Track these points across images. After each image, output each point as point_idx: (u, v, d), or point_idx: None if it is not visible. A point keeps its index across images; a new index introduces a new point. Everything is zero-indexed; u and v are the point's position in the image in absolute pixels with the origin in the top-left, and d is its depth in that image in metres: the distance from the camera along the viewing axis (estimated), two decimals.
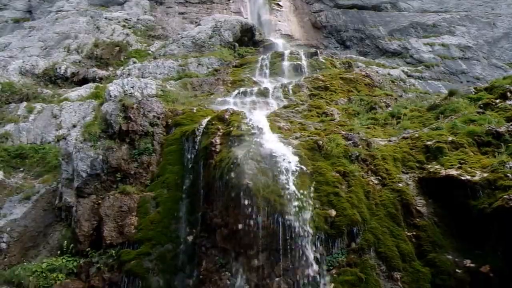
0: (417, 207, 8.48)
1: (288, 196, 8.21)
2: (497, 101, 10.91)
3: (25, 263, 10.07)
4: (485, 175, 8.20)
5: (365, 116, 12.36)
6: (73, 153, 11.37)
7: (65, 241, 10.38)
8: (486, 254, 7.57)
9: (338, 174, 8.94)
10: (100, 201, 10.26)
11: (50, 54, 23.25)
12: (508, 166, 8.21)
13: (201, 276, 8.54)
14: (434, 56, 24.78)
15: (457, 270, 7.51)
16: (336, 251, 7.91)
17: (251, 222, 8.08)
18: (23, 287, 9.39)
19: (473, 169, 8.55)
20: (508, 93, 10.99)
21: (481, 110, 10.65)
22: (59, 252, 10.26)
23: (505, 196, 7.52)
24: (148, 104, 12.03)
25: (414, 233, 8.15)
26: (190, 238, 9.17)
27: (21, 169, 14.28)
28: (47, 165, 14.22)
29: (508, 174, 7.97)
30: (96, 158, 10.96)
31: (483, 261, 7.45)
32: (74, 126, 15.99)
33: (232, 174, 8.54)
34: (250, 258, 8.18)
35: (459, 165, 8.78)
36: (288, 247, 7.79)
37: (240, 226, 8.21)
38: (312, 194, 8.52)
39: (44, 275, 9.50)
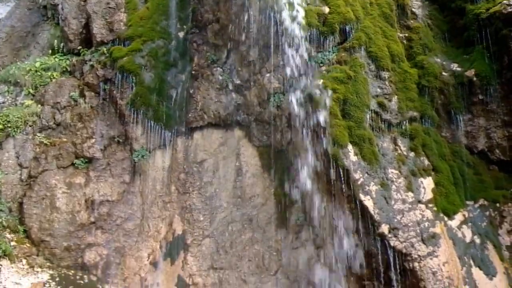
0: (413, 9, 8.39)
1: None
2: None
3: (18, 63, 10.06)
4: None
5: None
6: None
7: (55, 40, 10.27)
8: (473, 59, 7.81)
9: None
10: None
11: None
12: None
13: (193, 72, 8.74)
14: None
15: (443, 73, 7.78)
16: (327, 48, 7.90)
17: (243, 17, 7.97)
18: (20, 85, 9.53)
19: None
20: None
21: None
22: (50, 51, 10.21)
23: (504, 2, 7.46)
24: None
25: (406, 34, 8.20)
26: (181, 34, 9.08)
27: None
28: None
29: None
30: None
31: (469, 66, 7.73)
32: None
33: None
34: (242, 53, 8.28)
35: None
36: (280, 43, 7.74)
37: (231, 21, 8.12)
38: None
39: (39, 73, 9.53)
